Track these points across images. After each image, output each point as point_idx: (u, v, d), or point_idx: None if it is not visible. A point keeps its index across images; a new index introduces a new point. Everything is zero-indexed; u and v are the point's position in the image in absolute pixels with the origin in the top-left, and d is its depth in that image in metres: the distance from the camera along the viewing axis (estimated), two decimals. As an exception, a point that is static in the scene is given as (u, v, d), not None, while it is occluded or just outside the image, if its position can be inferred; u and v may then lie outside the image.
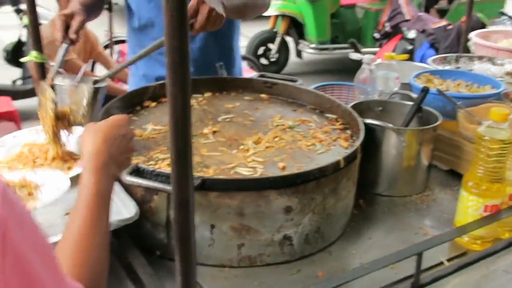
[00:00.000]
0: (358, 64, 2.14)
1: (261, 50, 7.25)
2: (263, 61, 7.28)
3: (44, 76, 1.80)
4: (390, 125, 1.70)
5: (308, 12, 6.93)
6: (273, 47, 7.18)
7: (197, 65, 2.19)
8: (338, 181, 1.47)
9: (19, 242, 0.65)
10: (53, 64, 1.70)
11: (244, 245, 1.39)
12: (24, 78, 5.49)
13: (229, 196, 1.34)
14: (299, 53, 7.34)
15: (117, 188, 1.39)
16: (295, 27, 7.16)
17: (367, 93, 2.06)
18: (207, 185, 1.32)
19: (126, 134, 1.22)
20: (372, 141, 1.74)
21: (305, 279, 1.38)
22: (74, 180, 1.42)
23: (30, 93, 5.32)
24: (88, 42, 4.27)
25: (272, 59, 7.26)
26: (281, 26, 7.08)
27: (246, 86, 2.08)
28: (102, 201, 1.07)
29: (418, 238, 1.56)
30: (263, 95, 2.06)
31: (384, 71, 2.07)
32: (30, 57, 1.81)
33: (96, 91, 1.85)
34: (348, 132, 1.78)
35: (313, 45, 7.04)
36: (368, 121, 1.72)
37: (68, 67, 3.91)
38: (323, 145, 1.67)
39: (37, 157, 1.48)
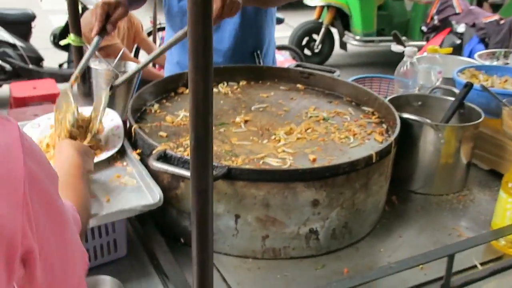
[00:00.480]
0: (401, 57, 2.07)
1: (304, 41, 7.17)
2: (307, 52, 7.19)
3: (81, 60, 1.81)
4: (429, 120, 1.64)
5: (354, 3, 6.80)
6: (317, 38, 7.08)
7: (231, 54, 2.17)
8: (369, 176, 1.42)
9: (40, 176, 0.75)
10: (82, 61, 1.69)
11: (268, 237, 1.37)
12: (70, 61, 5.59)
13: (255, 186, 1.31)
14: (343, 45, 7.22)
15: (143, 173, 1.38)
16: (341, 18, 7.04)
17: (407, 87, 2.00)
18: (233, 174, 1.30)
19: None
20: (409, 137, 1.69)
21: (330, 274, 1.35)
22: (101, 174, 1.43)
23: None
24: (132, 27, 4.31)
25: (316, 50, 7.17)
26: (326, 17, 6.98)
27: (282, 75, 2.05)
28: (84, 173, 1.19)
29: (451, 239, 1.50)
30: (299, 86, 2.02)
31: (426, 65, 1.99)
32: (68, 40, 1.82)
33: (131, 76, 1.86)
34: (384, 126, 1.72)
35: (358, 37, 6.91)
36: (406, 115, 1.66)
37: (111, 52, 3.98)
38: (357, 139, 1.63)
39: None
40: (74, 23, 1.77)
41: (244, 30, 2.15)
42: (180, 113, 1.74)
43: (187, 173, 1.26)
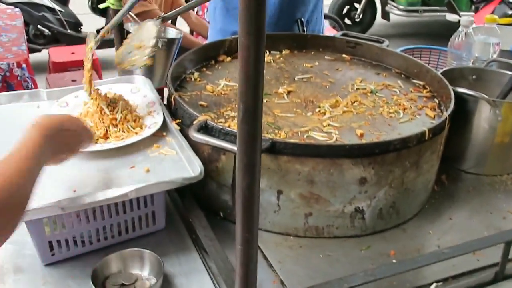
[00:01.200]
0: (449, 28, 1.95)
1: (345, 10, 6.97)
2: (347, 21, 7.00)
3: (120, 24, 1.76)
4: (485, 96, 1.53)
5: (399, -29, 6.56)
6: (359, 7, 6.87)
7: (274, 21, 2.08)
8: (421, 154, 1.34)
9: None
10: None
11: (311, 214, 1.31)
12: (108, 27, 5.58)
13: (300, 162, 1.25)
14: (386, 15, 6.97)
15: (184, 145, 1.33)
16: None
17: (460, 59, 1.88)
18: (277, 148, 1.24)
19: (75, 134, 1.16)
20: (462, 112, 1.58)
21: (376, 256, 1.28)
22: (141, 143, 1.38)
23: (113, 42, 5.39)
24: (170, -7, 4.23)
25: (357, 20, 6.97)
26: (369, -15, 6.75)
27: (327, 45, 1.95)
28: (37, 161, 1.01)
29: (506, 224, 1.41)
30: (345, 56, 1.92)
31: (483, 36, 1.87)
32: (108, 4, 1.76)
33: (170, 42, 1.80)
34: (436, 101, 1.62)
35: (402, 7, 6.67)
36: (460, 90, 1.55)
37: (148, 18, 3.92)
38: (407, 114, 1.54)
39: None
40: (113, -14, 1.71)
41: None
42: (221, 82, 1.67)
43: (229, 145, 1.21)
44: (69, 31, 5.44)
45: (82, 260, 1.24)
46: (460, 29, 1.86)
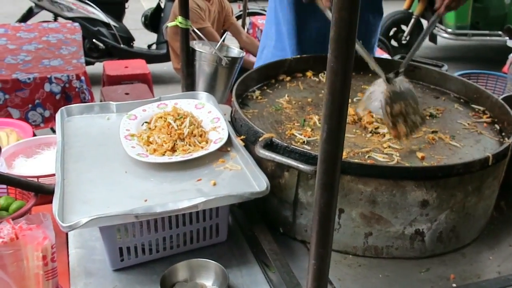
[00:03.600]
0: (497, 52, 1.96)
1: (392, 32, 6.96)
2: (393, 43, 6.98)
3: (187, 42, 1.83)
4: (548, 123, 1.52)
5: (448, -6, 6.50)
6: (406, 29, 6.84)
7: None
8: (483, 179, 1.34)
9: None
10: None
11: (371, 234, 1.32)
12: (159, 43, 5.74)
13: (363, 182, 1.27)
14: (433, 38, 6.92)
15: (249, 161, 1.37)
16: (433, 9, 6.74)
17: (520, 86, 1.87)
18: (342, 167, 1.26)
19: None
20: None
21: (435, 279, 1.29)
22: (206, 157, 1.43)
23: (164, 57, 5.56)
24: (222, 11, 4.34)
25: (403, 42, 6.93)
26: (417, 7, 6.67)
27: (385, 67, 1.96)
28: None
29: None
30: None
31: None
32: (176, 22, 1.84)
33: (233, 60, 1.87)
34: (497, 126, 1.62)
35: (450, 30, 6.61)
36: (523, 117, 1.55)
37: (204, 34, 4.03)
38: (467, 138, 1.54)
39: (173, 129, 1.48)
40: (183, 6, 1.78)
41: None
42: (281, 101, 1.71)
43: (295, 163, 1.24)
44: (122, 45, 5.62)
45: (149, 267, 1.29)
46: (521, 55, 1.86)
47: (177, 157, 1.39)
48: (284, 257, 1.26)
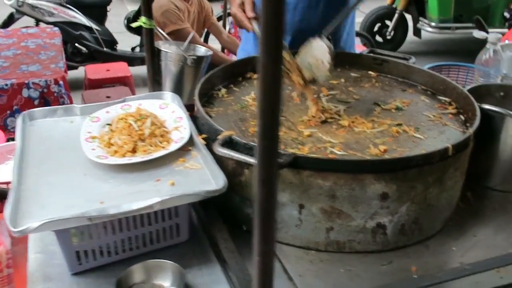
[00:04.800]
0: (481, 45, 1.94)
1: (376, 27, 6.96)
2: (378, 38, 6.99)
3: (151, 42, 1.82)
4: (511, 112, 1.52)
5: (431, -12, 6.53)
6: (390, 24, 6.86)
7: (298, 37, 2.11)
8: (444, 170, 1.34)
9: None
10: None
11: (333, 229, 1.32)
12: (142, 45, 5.72)
13: (321, 176, 1.26)
14: (417, 32, 6.94)
15: (209, 159, 1.37)
16: (416, 3, 6.77)
17: (488, 77, 1.87)
18: (300, 162, 1.26)
19: None
20: (488, 129, 1.57)
21: (397, 272, 1.28)
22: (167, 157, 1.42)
23: (143, 60, 5.53)
24: (202, 12, 4.33)
25: (388, 37, 6.95)
26: (400, 2, 6.73)
27: (354, 61, 1.97)
28: None
29: (532, 242, 1.39)
30: (371, 72, 1.93)
31: (511, 53, 1.85)
32: (140, 23, 1.83)
33: (199, 59, 1.86)
34: (462, 117, 1.62)
35: (433, 24, 6.62)
36: (486, 106, 1.55)
37: (180, 36, 4.01)
38: (431, 130, 1.54)
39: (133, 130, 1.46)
40: (146, 6, 1.77)
41: (330, 8, 2.07)
42: (247, 98, 1.71)
43: (252, 159, 1.24)
44: (105, 49, 5.60)
45: (108, 269, 1.28)
46: (487, 46, 1.85)
47: (137, 158, 1.38)
48: (243, 255, 1.25)
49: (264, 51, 0.75)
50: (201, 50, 1.92)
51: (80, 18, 5.44)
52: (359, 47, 4.41)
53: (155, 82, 1.82)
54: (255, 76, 1.88)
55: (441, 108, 1.67)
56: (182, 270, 1.19)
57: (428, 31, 6.75)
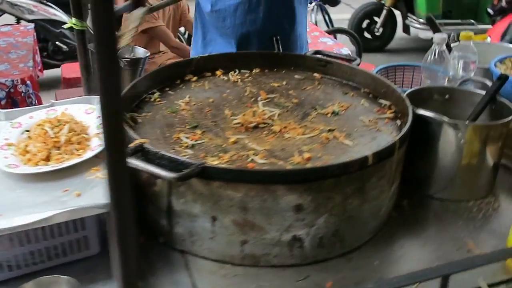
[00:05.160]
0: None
1: (365, 24, 6.89)
2: (367, 35, 6.92)
3: (84, 44, 1.76)
4: (446, 118, 1.46)
5: (419, -17, 6.44)
6: (379, 20, 6.78)
7: (261, 38, 2.06)
8: (364, 180, 1.27)
9: None
10: None
11: (247, 242, 1.26)
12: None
13: (232, 187, 1.20)
14: (406, 28, 6.85)
15: (119, 168, 1.31)
16: (405, -1, 6.69)
17: (435, 78, 1.80)
18: (209, 173, 1.20)
19: None
20: (426, 135, 1.52)
21: (312, 287, 1.22)
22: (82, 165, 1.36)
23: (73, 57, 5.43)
24: (178, 9, 4.26)
25: (377, 34, 6.88)
26: (389, -2, 6.65)
27: (298, 63, 1.91)
28: None
29: (459, 254, 1.33)
30: (315, 74, 1.87)
31: (458, 53, 1.79)
32: (70, 24, 1.77)
33: (134, 61, 1.80)
34: (398, 122, 1.56)
35: (422, 20, 6.53)
36: (421, 111, 1.49)
37: (154, 34, 3.95)
38: (363, 136, 1.48)
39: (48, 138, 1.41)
40: (75, 7, 1.71)
41: (272, 11, 2.02)
42: (180, 102, 1.65)
43: (158, 170, 1.18)
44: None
45: (11, 285, 1.22)
46: (433, 46, 1.79)
47: (47, 167, 1.33)
48: (155, 269, 1.19)
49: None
50: (140, 52, 1.86)
51: (60, 15, 5.38)
52: (338, 46, 4.34)
53: (89, 86, 1.77)
54: (194, 78, 1.82)
55: (379, 113, 1.61)
56: (78, 284, 1.14)
57: (417, 27, 6.66)
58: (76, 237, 1.25)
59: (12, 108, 3.37)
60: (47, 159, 1.37)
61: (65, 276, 1.16)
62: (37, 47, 4.36)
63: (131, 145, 1.29)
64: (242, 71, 1.88)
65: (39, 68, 4.29)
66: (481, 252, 1.33)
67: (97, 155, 1.39)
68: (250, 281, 1.24)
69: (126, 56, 1.78)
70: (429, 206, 1.53)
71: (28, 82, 3.45)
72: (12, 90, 3.40)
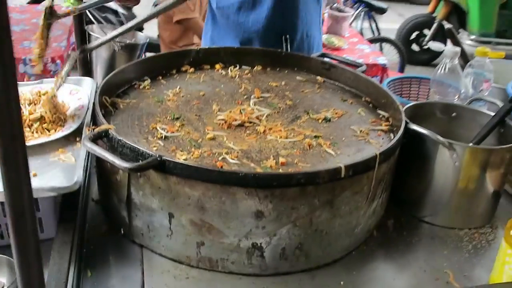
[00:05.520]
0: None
1: (414, 35, 6.67)
2: (414, 47, 6.70)
3: (81, 25, 1.73)
4: (440, 137, 1.34)
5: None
6: (428, 33, 6.54)
7: (265, 36, 1.99)
8: (335, 193, 1.18)
9: None
10: None
11: (204, 244, 1.19)
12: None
13: (189, 185, 1.14)
14: (457, 43, 6.59)
15: (72, 156, 1.27)
16: (457, 14, 6.42)
17: (445, 93, 1.68)
18: (167, 167, 1.13)
19: None
20: (420, 153, 1.41)
21: (266, 301, 1.14)
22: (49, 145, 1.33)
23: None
24: None
25: (425, 47, 6.64)
26: (441, 11, 6.40)
27: (302, 64, 1.81)
28: None
29: (434, 286, 1.21)
30: (318, 77, 1.77)
31: (471, 70, 1.65)
32: (68, 3, 1.74)
33: (132, 46, 1.76)
34: (392, 136, 1.45)
35: (473, 37, 6.26)
36: (414, 127, 1.37)
37: (189, 26, 3.91)
38: (349, 146, 1.38)
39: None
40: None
41: (276, 11, 1.95)
42: (168, 92, 1.59)
43: (112, 158, 1.12)
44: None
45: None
46: (444, 60, 1.66)
47: (13, 144, 1.29)
48: (112, 260, 1.15)
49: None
50: (140, 37, 1.82)
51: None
52: (374, 54, 4.19)
53: (85, 68, 1.74)
54: (191, 70, 1.76)
55: (374, 124, 1.51)
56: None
57: (467, 44, 6.38)
58: (28, 218, 1.21)
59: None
60: (17, 136, 1.34)
61: (4, 256, 1.12)
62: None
63: (96, 129, 1.24)
64: (243, 67, 1.81)
65: (72, 48, 4.34)
66: (460, 286, 1.21)
67: (68, 136, 1.35)
68: (200, 286, 1.17)
69: (123, 41, 1.74)
70: (416, 230, 1.41)
71: (58, 61, 3.48)
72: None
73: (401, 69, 5.67)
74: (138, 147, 1.17)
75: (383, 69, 3.91)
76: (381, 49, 5.79)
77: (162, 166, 1.13)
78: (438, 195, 1.42)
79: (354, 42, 4.40)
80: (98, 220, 1.36)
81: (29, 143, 1.29)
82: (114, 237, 1.30)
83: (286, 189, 1.13)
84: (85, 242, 1.26)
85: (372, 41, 5.34)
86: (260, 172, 1.19)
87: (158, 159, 1.13)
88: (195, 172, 1.13)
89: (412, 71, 6.00)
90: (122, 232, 1.30)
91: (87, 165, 1.42)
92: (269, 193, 1.12)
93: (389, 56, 5.74)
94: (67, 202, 1.25)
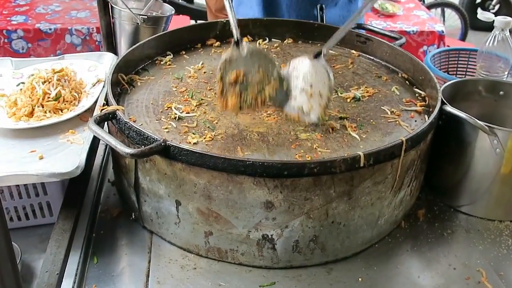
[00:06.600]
0: None
1: (480, -1, 6.25)
2: (480, 12, 6.27)
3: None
4: (479, 121, 1.20)
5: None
6: (495, -4, 6.11)
7: (294, 6, 1.86)
8: (354, 183, 1.07)
9: None
10: None
11: (212, 234, 1.12)
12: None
13: (194, 172, 1.06)
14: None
15: (81, 138, 1.22)
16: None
17: (494, 68, 1.51)
18: (171, 153, 1.07)
19: None
20: (458, 138, 1.27)
21: (274, 297, 1.07)
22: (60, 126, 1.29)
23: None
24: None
25: (492, 11, 6.20)
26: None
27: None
28: None
29: (465, 286, 1.10)
30: (353, 51, 1.64)
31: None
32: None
33: (156, 19, 1.69)
34: (426, 117, 1.31)
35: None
36: (449, 109, 1.24)
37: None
38: (378, 130, 1.26)
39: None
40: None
41: None
42: (190, 68, 1.51)
43: (115, 143, 1.07)
44: (180, 1, 5.53)
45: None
46: (493, 31, 1.49)
47: (21, 124, 1.26)
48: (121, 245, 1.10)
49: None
50: (166, 9, 1.74)
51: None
52: (432, 21, 3.93)
53: (108, 41, 1.68)
54: (217, 43, 1.67)
55: (408, 104, 1.37)
56: (17, 248, 1.07)
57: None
58: (37, 201, 1.19)
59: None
60: (30, 114, 1.31)
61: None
62: None
63: (103, 111, 1.19)
64: (273, 40, 1.70)
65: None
66: (492, 287, 1.09)
67: (80, 116, 1.30)
68: (208, 278, 1.11)
69: (147, 14, 1.67)
70: (450, 221, 1.29)
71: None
72: (87, 37, 3.45)
73: (463, 37, 5.32)
74: (144, 130, 1.10)
75: (440, 36, 3.66)
76: (443, 14, 5.46)
77: (167, 152, 1.07)
78: (477, 183, 1.28)
79: (410, 8, 4.14)
80: (111, 203, 1.32)
81: (40, 123, 1.26)
82: (126, 222, 1.26)
83: (298, 179, 1.04)
84: (96, 225, 1.22)
85: (431, 6, 5.04)
86: (269, 160, 1.09)
87: (162, 144, 1.06)
88: (200, 158, 1.05)
89: (474, 38, 5.63)
90: (133, 216, 1.25)
91: (106, 145, 1.39)
92: (279, 183, 1.03)
93: (450, 22, 5.41)
94: (74, 185, 1.21)
